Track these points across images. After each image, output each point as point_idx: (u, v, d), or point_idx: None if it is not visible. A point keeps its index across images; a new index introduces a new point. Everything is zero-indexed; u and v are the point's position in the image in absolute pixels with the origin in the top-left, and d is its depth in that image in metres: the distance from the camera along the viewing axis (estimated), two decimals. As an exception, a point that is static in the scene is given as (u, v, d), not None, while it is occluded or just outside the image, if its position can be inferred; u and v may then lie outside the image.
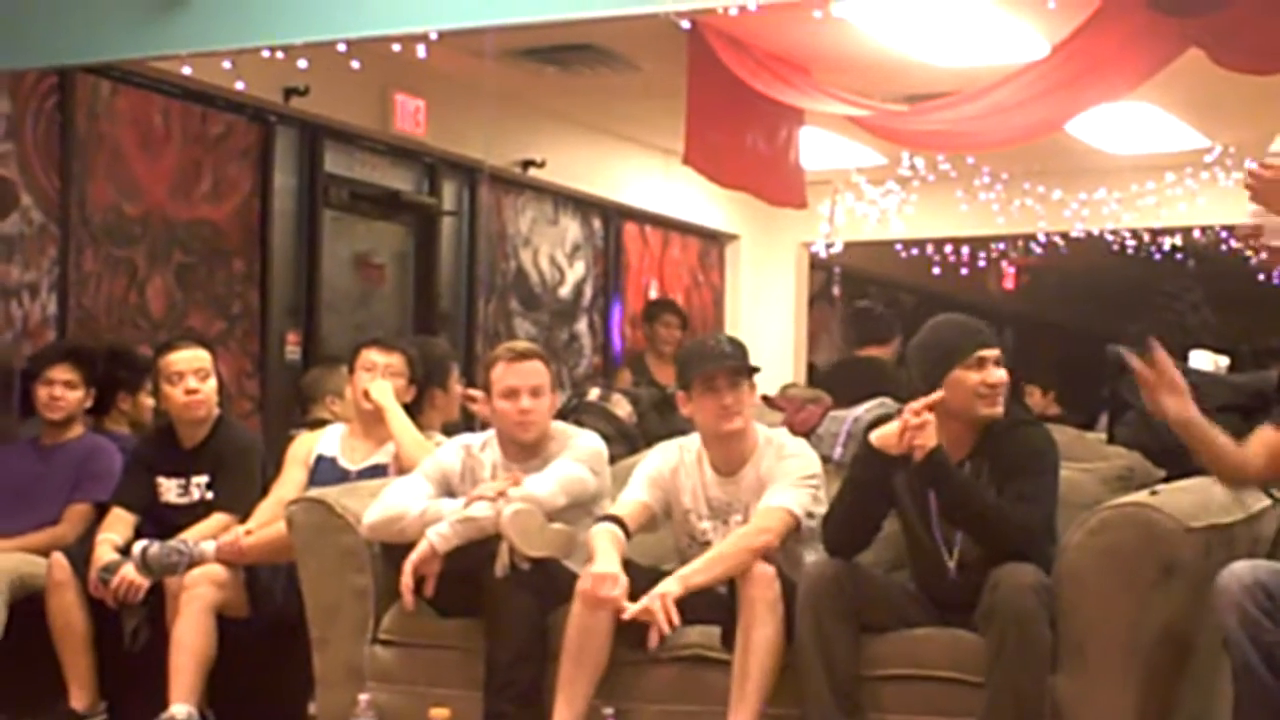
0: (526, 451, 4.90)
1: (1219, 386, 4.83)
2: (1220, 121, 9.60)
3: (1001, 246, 12.93)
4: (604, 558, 4.44)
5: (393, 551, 4.74)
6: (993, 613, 4.05)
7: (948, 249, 12.45)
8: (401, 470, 5.26)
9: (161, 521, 5.60)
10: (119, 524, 5.60)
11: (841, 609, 4.24)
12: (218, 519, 5.53)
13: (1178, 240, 11.92)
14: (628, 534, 4.60)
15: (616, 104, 9.31)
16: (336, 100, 7.97)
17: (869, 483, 4.37)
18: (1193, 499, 4.23)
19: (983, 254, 12.93)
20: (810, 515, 4.53)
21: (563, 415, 5.46)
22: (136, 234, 7.29)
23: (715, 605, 4.47)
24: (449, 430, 5.70)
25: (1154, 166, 10.64)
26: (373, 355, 5.60)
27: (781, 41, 7.58)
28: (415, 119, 8.56)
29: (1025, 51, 7.46)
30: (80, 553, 5.50)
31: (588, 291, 10.45)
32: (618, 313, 10.68)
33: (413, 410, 5.57)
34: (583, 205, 10.36)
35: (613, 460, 5.07)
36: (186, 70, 6.71)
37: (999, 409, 4.34)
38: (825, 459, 4.84)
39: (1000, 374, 4.35)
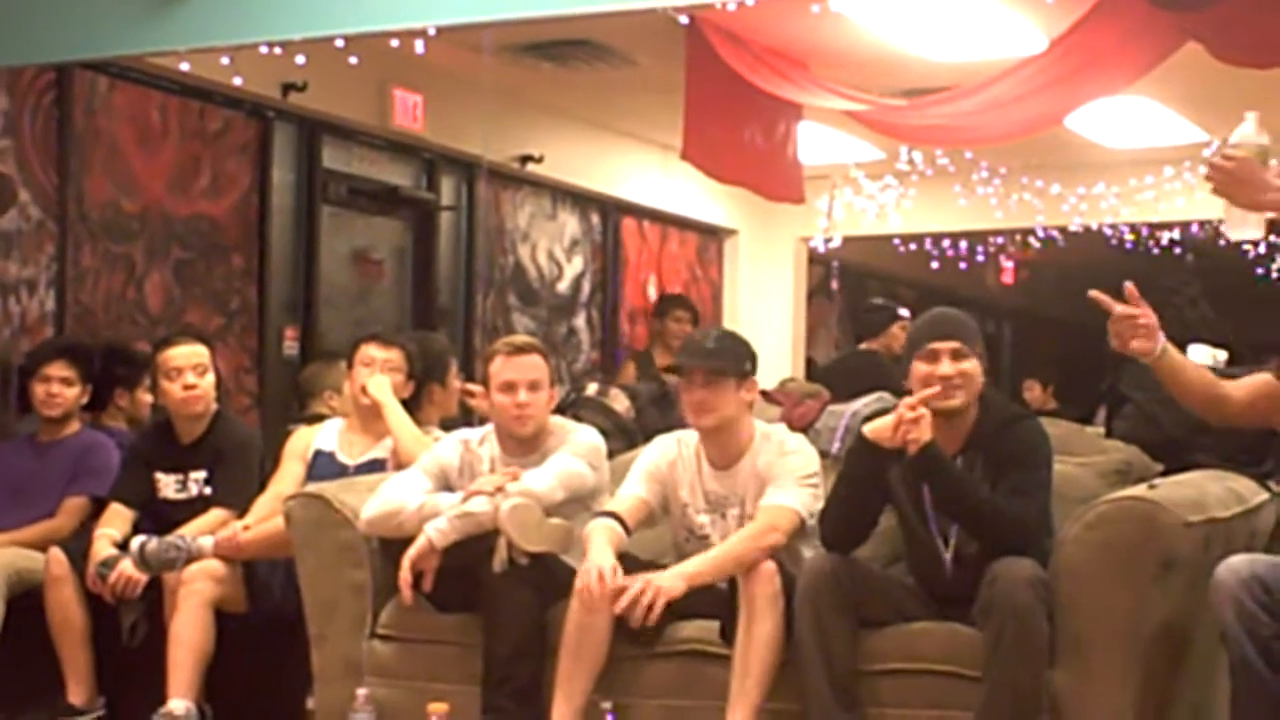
0: (525, 446, 4.90)
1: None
2: (1219, 116, 9.57)
3: (1000, 241, 12.93)
4: (597, 552, 4.44)
5: (391, 547, 4.74)
6: (990, 607, 4.05)
7: (946, 244, 12.45)
8: (400, 465, 5.26)
9: (159, 517, 5.60)
10: (117, 519, 5.59)
11: (840, 604, 4.24)
12: (216, 514, 5.53)
13: (1176, 235, 11.93)
14: (627, 530, 4.60)
15: (615, 99, 9.31)
16: (335, 96, 7.97)
17: (863, 476, 4.37)
18: (1191, 493, 4.23)
19: (981, 248, 12.93)
20: (812, 515, 4.53)
21: (561, 410, 5.46)
22: (134, 230, 7.29)
23: (715, 600, 4.47)
24: (448, 426, 5.70)
25: (1152, 161, 10.64)
26: (372, 350, 5.60)
27: (779, 36, 7.58)
28: (413, 114, 8.55)
29: (1023, 46, 7.46)
30: (78, 548, 5.49)
31: (586, 287, 10.45)
32: (615, 308, 10.69)
33: (411, 406, 5.57)
34: (581, 200, 10.36)
35: (611, 455, 5.07)
36: (184, 66, 6.70)
37: (953, 401, 4.30)
38: (823, 454, 4.84)
39: (953, 367, 4.30)
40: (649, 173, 10.66)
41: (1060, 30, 6.84)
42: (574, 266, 10.32)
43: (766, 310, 11.69)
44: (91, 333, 6.92)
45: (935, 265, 12.49)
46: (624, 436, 5.79)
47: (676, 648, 4.53)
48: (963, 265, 12.77)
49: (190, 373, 5.64)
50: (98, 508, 5.76)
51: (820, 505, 4.52)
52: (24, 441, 6.18)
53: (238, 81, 6.97)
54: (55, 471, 5.95)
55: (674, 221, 11.27)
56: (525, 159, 9.53)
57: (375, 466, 5.42)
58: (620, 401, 6.08)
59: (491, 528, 4.58)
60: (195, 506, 5.60)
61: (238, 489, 5.58)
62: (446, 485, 4.89)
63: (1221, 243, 11.52)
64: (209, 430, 5.72)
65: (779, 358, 10.86)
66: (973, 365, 4.34)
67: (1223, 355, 6.31)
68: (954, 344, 4.33)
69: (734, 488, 4.66)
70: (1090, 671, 4.08)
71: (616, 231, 10.72)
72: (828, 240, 11.58)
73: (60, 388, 6.03)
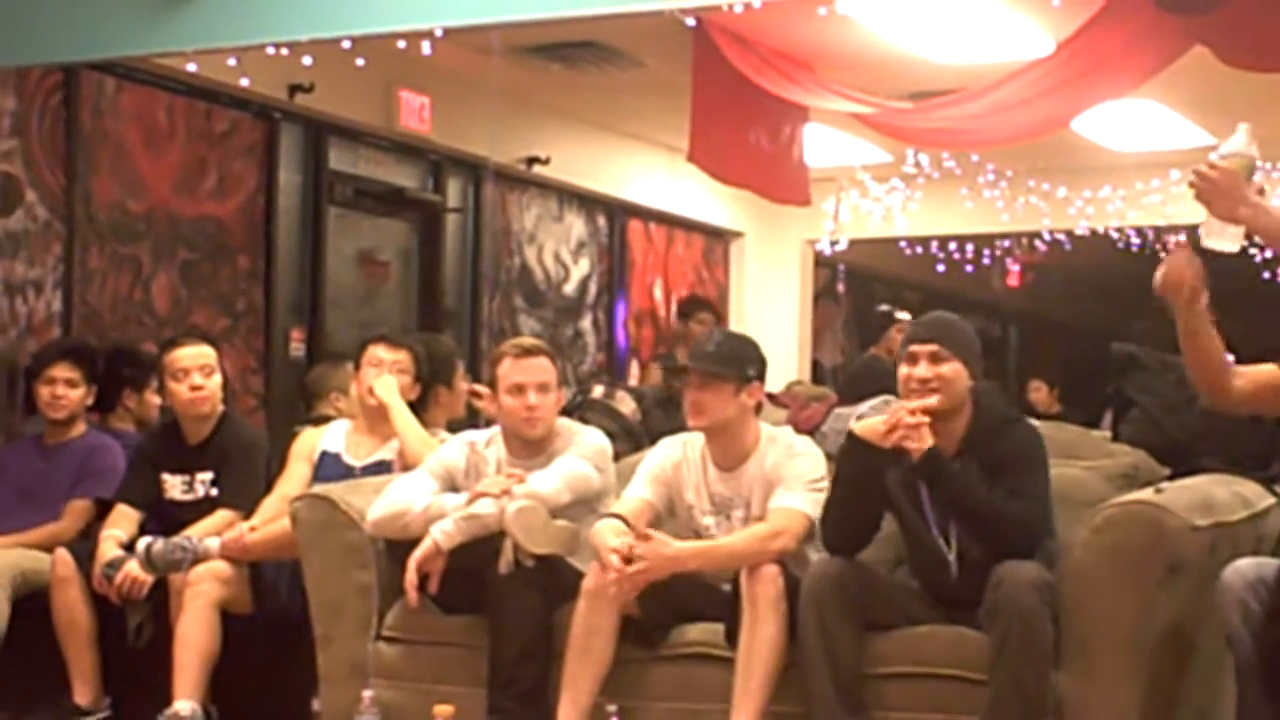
0: (531, 448, 4.90)
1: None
2: (1225, 119, 9.46)
3: (1006, 244, 12.91)
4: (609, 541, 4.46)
5: (397, 548, 4.74)
6: (995, 610, 4.05)
7: (952, 246, 12.44)
8: (406, 467, 5.26)
9: (166, 518, 5.60)
10: (123, 520, 5.59)
11: (845, 607, 4.24)
12: (222, 515, 5.52)
13: (1182, 238, 11.84)
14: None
15: (621, 101, 9.31)
16: (341, 97, 7.97)
17: (858, 476, 4.37)
18: (1197, 497, 4.23)
19: (987, 251, 12.92)
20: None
21: (567, 412, 5.46)
22: (141, 231, 7.30)
23: (719, 603, 4.48)
24: (454, 427, 5.70)
25: (1159, 164, 10.63)
26: (379, 351, 5.60)
27: (786, 38, 7.58)
28: (420, 116, 8.56)
29: (1030, 49, 7.46)
30: (84, 549, 5.50)
31: (592, 289, 10.46)
32: (622, 310, 10.69)
33: (417, 407, 5.57)
34: (587, 202, 10.36)
35: (617, 457, 5.07)
36: (191, 67, 6.71)
37: (928, 402, 4.31)
38: (830, 456, 4.84)
39: (930, 369, 4.32)
40: (655, 175, 10.66)
41: (1067, 33, 6.84)
42: (580, 268, 10.33)
43: (772, 313, 11.69)
44: (98, 334, 6.93)
45: (941, 268, 12.48)
46: (630, 439, 5.80)
47: (681, 650, 4.53)
48: (969, 268, 12.76)
49: (197, 374, 5.64)
50: (103, 510, 5.76)
51: (824, 508, 4.53)
52: (30, 443, 6.18)
53: (244, 82, 6.98)
54: (61, 474, 5.95)
55: (680, 224, 11.27)
56: (532, 160, 9.53)
57: (381, 468, 5.42)
58: (626, 404, 6.08)
59: (497, 530, 4.58)
60: (201, 507, 5.60)
61: (244, 490, 5.58)
62: (452, 487, 4.89)
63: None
64: (215, 431, 5.72)
65: (785, 361, 10.86)
66: (952, 369, 4.34)
67: (1230, 359, 6.30)
68: (932, 347, 4.36)
69: (739, 490, 4.66)
70: (1096, 675, 4.08)
71: (623, 233, 10.72)
72: (834, 243, 11.58)
73: (65, 389, 6.03)
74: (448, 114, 8.66)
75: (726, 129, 7.80)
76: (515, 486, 4.64)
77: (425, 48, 6.39)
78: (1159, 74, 6.89)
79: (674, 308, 10.92)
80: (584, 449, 4.88)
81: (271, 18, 5.97)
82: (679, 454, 4.76)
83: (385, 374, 5.54)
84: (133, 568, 5.32)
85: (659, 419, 6.01)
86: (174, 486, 5.69)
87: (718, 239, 11.77)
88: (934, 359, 4.34)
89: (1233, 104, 8.79)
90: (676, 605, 4.55)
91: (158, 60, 6.89)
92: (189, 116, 7.53)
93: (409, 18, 5.86)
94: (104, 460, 5.97)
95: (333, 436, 5.64)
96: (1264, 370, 3.98)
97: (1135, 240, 11.78)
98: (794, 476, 4.55)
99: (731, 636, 4.40)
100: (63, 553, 5.49)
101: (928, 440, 4.22)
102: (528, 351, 4.94)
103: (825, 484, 4.57)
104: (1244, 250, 3.82)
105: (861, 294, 13.34)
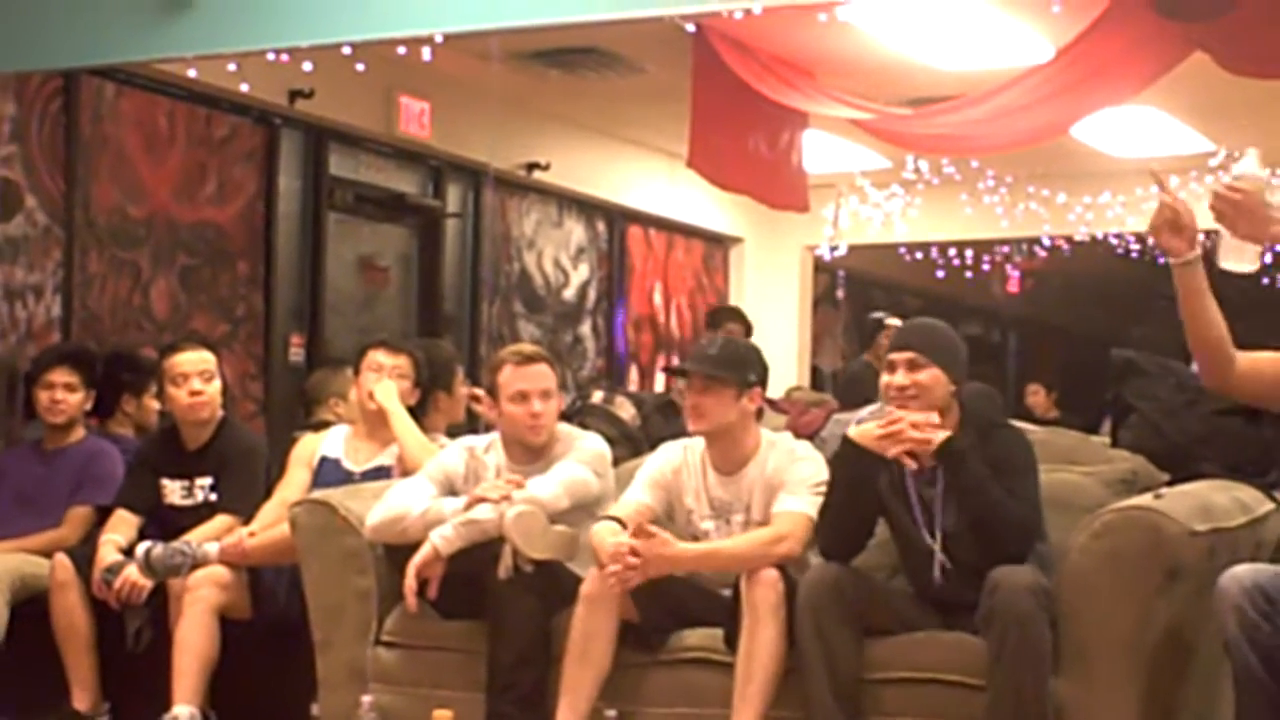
0: (531, 453, 4.90)
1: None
2: (1225, 125, 9.59)
3: (1006, 250, 12.93)
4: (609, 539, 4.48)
5: (396, 553, 4.74)
6: (992, 615, 4.05)
7: (952, 252, 12.45)
8: (405, 472, 5.26)
9: (165, 523, 5.60)
10: (123, 525, 5.59)
11: (842, 612, 4.24)
12: (221, 520, 5.52)
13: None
14: (630, 535, 4.60)
15: (621, 107, 9.32)
16: (341, 103, 7.98)
17: (853, 481, 4.38)
18: (1196, 503, 4.23)
19: (987, 257, 12.94)
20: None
21: (566, 417, 5.46)
22: (141, 236, 7.31)
23: (718, 607, 4.48)
24: (454, 433, 5.70)
25: (1158, 171, 10.63)
26: (379, 356, 5.60)
27: (786, 45, 7.59)
28: (420, 121, 8.57)
29: (1030, 55, 7.47)
30: (83, 554, 5.49)
31: (592, 294, 10.46)
32: (621, 315, 10.70)
33: (417, 413, 5.57)
34: (587, 208, 10.37)
35: (617, 463, 5.07)
36: (192, 73, 6.71)
37: (906, 410, 4.33)
38: (829, 461, 4.84)
39: (907, 377, 4.34)
40: (655, 181, 10.67)
41: (1067, 39, 6.84)
42: (580, 274, 10.33)
43: (772, 319, 11.68)
44: (98, 339, 6.93)
45: (941, 274, 12.50)
46: (629, 444, 5.79)
47: (681, 655, 4.53)
48: (968, 274, 12.77)
49: (196, 379, 5.64)
50: (102, 516, 5.76)
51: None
52: (29, 449, 6.18)
53: (245, 88, 6.99)
54: (60, 479, 5.95)
55: (680, 229, 11.28)
56: (531, 166, 9.54)
57: (381, 473, 5.42)
58: (626, 409, 6.08)
59: (497, 535, 4.58)
60: (201, 513, 5.60)
61: (243, 495, 5.58)
62: (451, 492, 4.88)
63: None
64: (215, 437, 5.72)
65: (784, 366, 10.86)
66: (930, 375, 4.35)
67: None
68: (909, 354, 4.37)
69: (739, 494, 4.66)
70: (1095, 680, 4.08)
71: (622, 239, 10.73)
72: (833, 249, 11.59)
73: (64, 394, 6.03)
74: (448, 120, 8.67)
75: (726, 135, 7.80)
76: (514, 492, 4.64)
77: (425, 53, 6.40)
78: (1159, 80, 6.90)
79: (674, 313, 10.96)
80: (583, 454, 4.88)
81: (272, 23, 5.98)
82: (679, 458, 4.76)
83: (385, 379, 5.54)
84: (132, 572, 5.32)
85: (658, 424, 6.01)
86: (173, 492, 5.69)
87: (717, 245, 11.78)
88: (911, 366, 4.36)
89: (1233, 110, 8.85)
90: (676, 610, 4.55)
91: (158, 66, 6.90)
92: (189, 122, 7.54)
93: (409, 24, 5.87)
94: (103, 466, 5.97)
95: (332, 442, 5.64)
96: (1265, 356, 3.97)
97: (1134, 246, 11.79)
98: (797, 480, 4.55)
99: (731, 641, 4.39)
100: (62, 558, 5.49)
101: (937, 437, 4.24)
102: (529, 359, 4.94)
103: (826, 488, 4.57)
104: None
105: (861, 300, 13.35)
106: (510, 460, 4.92)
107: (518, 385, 4.87)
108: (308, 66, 6.38)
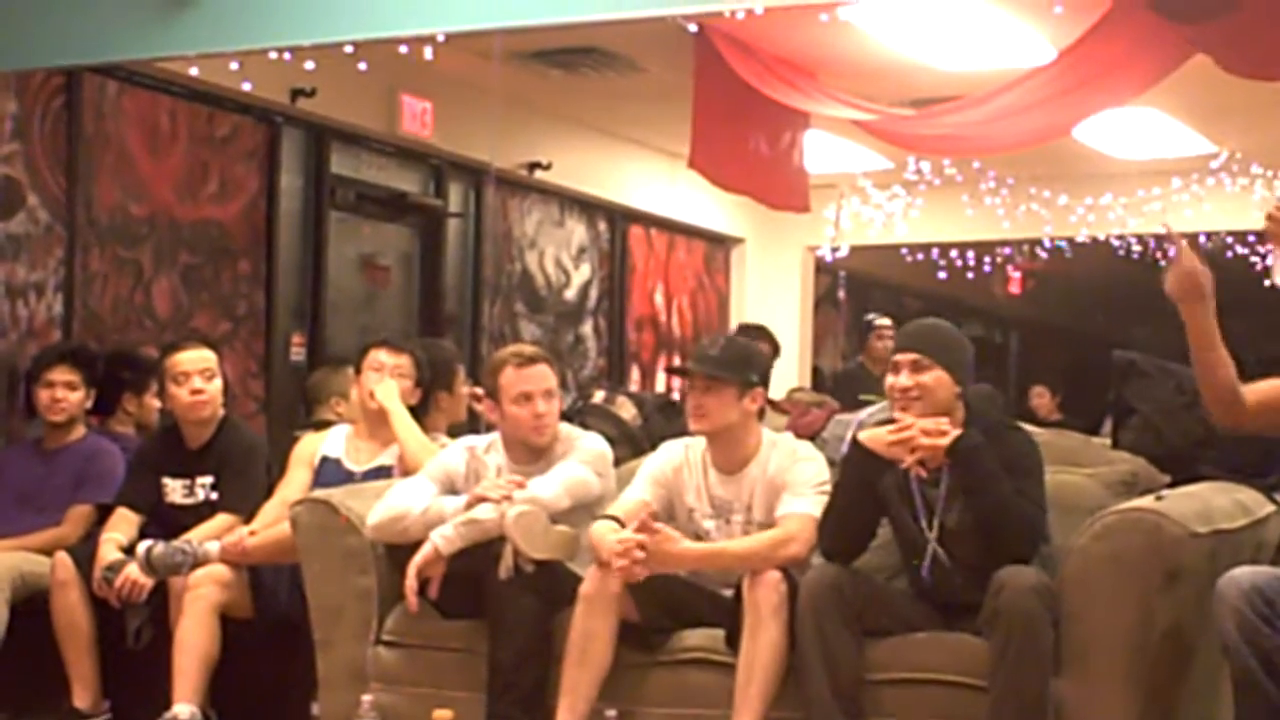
0: (532, 453, 4.91)
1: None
2: (1226, 127, 9.60)
3: (1007, 251, 12.93)
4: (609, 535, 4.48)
5: (396, 553, 4.74)
6: (996, 616, 4.05)
7: (953, 253, 12.45)
8: (406, 472, 5.26)
9: (166, 522, 5.60)
10: (123, 524, 5.59)
11: (843, 613, 4.24)
12: (222, 519, 5.52)
13: (1184, 243, 11.90)
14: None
15: (623, 107, 9.32)
16: (343, 101, 7.98)
17: (860, 484, 4.38)
18: (1197, 505, 4.23)
19: (988, 258, 12.93)
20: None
21: (567, 417, 5.46)
22: (142, 234, 7.30)
23: (719, 608, 4.48)
24: (455, 432, 5.70)
25: (1160, 172, 10.64)
26: (381, 356, 5.60)
27: (788, 45, 7.59)
28: (422, 121, 8.57)
29: (1031, 56, 7.47)
30: (84, 552, 5.50)
31: (593, 294, 10.46)
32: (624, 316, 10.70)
33: (418, 412, 5.57)
34: (588, 208, 10.37)
35: (618, 463, 5.07)
36: (194, 71, 6.71)
37: (909, 413, 4.33)
38: (831, 462, 4.84)
39: (910, 379, 4.34)
40: (657, 180, 10.67)
41: (1069, 41, 6.84)
42: (581, 274, 10.33)
43: (773, 319, 11.63)
44: (99, 337, 6.93)
45: (942, 275, 12.49)
46: (630, 444, 5.79)
47: (681, 656, 4.53)
48: (970, 275, 12.77)
49: (198, 378, 5.64)
50: (103, 515, 5.76)
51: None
52: (29, 447, 6.18)
53: (247, 87, 6.99)
54: (61, 478, 5.95)
55: (681, 230, 11.28)
56: (533, 166, 9.54)
57: (382, 473, 5.42)
58: (627, 409, 6.08)
59: (497, 535, 4.58)
60: (202, 511, 5.60)
61: (244, 494, 5.58)
62: (452, 491, 4.88)
63: (1229, 254, 11.55)
64: (216, 435, 5.72)
65: (786, 367, 10.84)
66: (934, 377, 4.35)
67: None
68: (912, 356, 4.37)
69: (739, 494, 4.66)
70: (1095, 681, 4.08)
71: (624, 239, 10.73)
72: (835, 249, 11.60)
73: (64, 392, 6.03)
74: (449, 119, 8.67)
75: (727, 135, 7.80)
76: (515, 491, 4.64)
77: (427, 53, 6.40)
78: (1160, 82, 6.90)
79: (675, 314, 10.96)
80: (584, 454, 4.89)
81: (274, 22, 5.98)
82: (680, 457, 4.76)
83: (386, 379, 5.54)
84: (133, 571, 5.32)
85: (659, 424, 6.01)
86: (174, 490, 5.69)
87: (719, 245, 11.78)
88: (915, 368, 4.36)
89: (1233, 112, 8.85)
90: (676, 610, 4.55)
91: (160, 64, 6.90)
92: (191, 120, 7.54)
93: (411, 23, 5.87)
94: (103, 465, 5.97)
95: (333, 441, 5.64)
96: (1269, 386, 3.99)
97: (1136, 248, 11.80)
98: (801, 482, 4.55)
99: (732, 641, 4.40)
100: (62, 556, 5.49)
101: (949, 433, 4.24)
102: (530, 359, 4.94)
103: (829, 488, 4.57)
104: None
105: (862, 300, 13.34)
106: (511, 460, 4.92)
107: (521, 387, 4.88)
108: (310, 65, 6.39)
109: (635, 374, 10.86)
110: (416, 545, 4.65)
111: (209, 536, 5.39)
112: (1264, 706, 3.63)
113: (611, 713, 4.41)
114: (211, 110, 7.64)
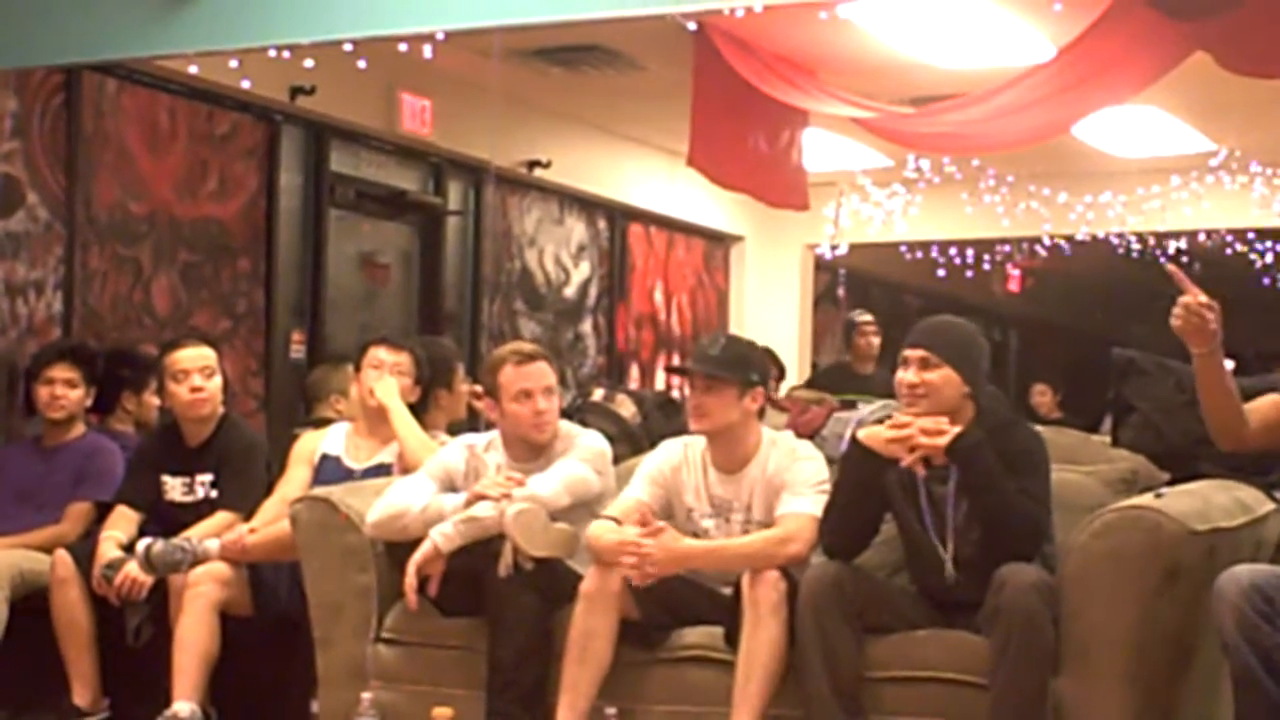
0: (532, 451, 4.91)
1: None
2: (1226, 125, 9.60)
3: (1006, 249, 12.94)
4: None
5: (396, 551, 4.75)
6: (997, 612, 4.05)
7: (952, 251, 12.46)
8: (406, 470, 5.26)
9: (166, 519, 5.60)
10: (123, 521, 5.59)
11: (843, 610, 4.24)
12: (222, 517, 5.52)
13: (1183, 244, 11.94)
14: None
15: (622, 105, 9.32)
16: (342, 99, 7.98)
17: (861, 482, 4.38)
18: (1197, 503, 4.23)
19: (988, 256, 12.95)
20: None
21: (566, 415, 5.46)
22: (142, 232, 7.30)
23: (718, 605, 4.48)
24: (454, 430, 5.70)
25: (1159, 170, 10.65)
26: (381, 353, 5.60)
27: (787, 43, 7.59)
28: (421, 119, 8.57)
29: (1031, 54, 7.47)
30: (84, 550, 5.50)
31: (592, 292, 10.47)
32: (621, 313, 10.70)
33: (418, 410, 5.57)
34: (588, 206, 10.37)
35: (617, 461, 5.07)
36: (193, 69, 6.71)
37: (915, 409, 4.33)
38: (830, 460, 4.84)
39: (917, 375, 4.33)
40: (656, 178, 10.67)
41: (1068, 38, 6.84)
42: (581, 272, 10.33)
43: (772, 317, 11.71)
44: (98, 335, 6.93)
45: (942, 273, 12.51)
46: (630, 442, 5.79)
47: (681, 653, 4.53)
48: (969, 273, 12.78)
49: (197, 375, 5.64)
50: (102, 512, 5.76)
51: (826, 513, 4.52)
52: (29, 445, 6.18)
53: (246, 85, 6.99)
54: (60, 475, 5.95)
55: (681, 227, 11.28)
56: (533, 164, 9.54)
57: (381, 471, 5.42)
58: (626, 407, 6.08)
59: (497, 532, 4.58)
60: (201, 509, 5.60)
61: (244, 492, 5.58)
62: (452, 489, 4.88)
63: (1228, 252, 11.56)
64: (215, 433, 5.72)
65: (785, 364, 10.86)
66: (941, 375, 4.34)
67: (1230, 365, 6.31)
68: (921, 353, 4.36)
69: (739, 493, 4.66)
70: (1095, 679, 4.08)
71: (623, 237, 10.73)
72: (834, 247, 11.60)
73: (64, 390, 6.03)
74: (449, 117, 8.67)
75: (727, 133, 7.80)
76: (515, 489, 4.64)
77: (427, 51, 6.40)
78: (1160, 79, 6.90)
79: (674, 312, 10.96)
80: (583, 452, 4.89)
81: (273, 20, 5.98)
82: (679, 456, 4.76)
83: (386, 376, 5.54)
84: (132, 569, 5.32)
85: (659, 422, 6.01)
86: (174, 488, 5.69)
87: (718, 243, 11.79)
88: (923, 365, 4.35)
89: (1233, 110, 8.85)
90: (676, 607, 4.55)
91: (159, 62, 6.90)
92: (190, 118, 7.54)
93: (410, 21, 5.87)
94: (103, 462, 5.97)
95: (333, 439, 5.64)
96: (1269, 404, 4.00)
97: (1135, 246, 11.80)
98: (801, 481, 4.55)
99: (731, 639, 4.40)
100: (62, 553, 5.49)
101: (949, 431, 4.23)
102: (529, 357, 4.94)
103: (829, 486, 4.57)
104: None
105: (861, 298, 13.34)
106: (511, 458, 4.92)
107: (521, 384, 4.88)
108: (309, 63, 6.37)
109: (634, 372, 10.87)
110: (416, 543, 4.65)
111: (209, 534, 5.39)
112: (1264, 704, 3.64)
113: (611, 710, 4.41)
114: (211, 108, 7.63)
